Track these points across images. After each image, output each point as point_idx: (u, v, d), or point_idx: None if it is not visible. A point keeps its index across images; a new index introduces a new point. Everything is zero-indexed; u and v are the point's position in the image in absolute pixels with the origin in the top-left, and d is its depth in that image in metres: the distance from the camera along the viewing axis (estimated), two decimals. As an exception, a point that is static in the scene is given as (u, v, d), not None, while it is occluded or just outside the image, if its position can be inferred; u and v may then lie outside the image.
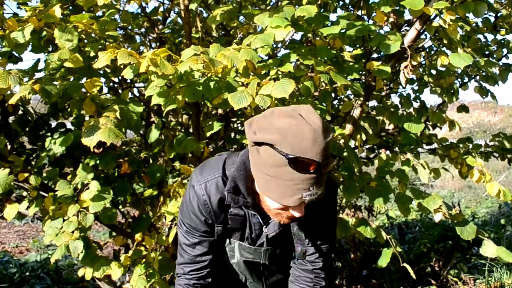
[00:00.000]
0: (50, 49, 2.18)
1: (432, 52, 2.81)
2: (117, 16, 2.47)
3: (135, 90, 2.68)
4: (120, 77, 2.36)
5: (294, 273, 1.45)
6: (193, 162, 2.36)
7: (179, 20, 3.08)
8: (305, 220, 1.28)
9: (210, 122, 2.22)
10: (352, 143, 2.59)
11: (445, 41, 2.42)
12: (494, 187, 2.28)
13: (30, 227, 6.33)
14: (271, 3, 2.92)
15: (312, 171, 1.06)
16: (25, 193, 2.27)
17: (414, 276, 2.24)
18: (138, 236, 2.27)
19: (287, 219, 1.22)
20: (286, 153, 1.05)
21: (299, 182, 1.07)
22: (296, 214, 1.16)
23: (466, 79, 3.12)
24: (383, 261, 2.23)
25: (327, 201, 1.32)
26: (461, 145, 2.99)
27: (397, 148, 3.04)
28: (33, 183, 2.12)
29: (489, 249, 2.21)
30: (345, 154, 2.27)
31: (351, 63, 2.26)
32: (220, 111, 2.63)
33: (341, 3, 2.83)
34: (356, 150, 2.59)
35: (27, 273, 4.13)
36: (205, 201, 1.29)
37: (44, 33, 1.97)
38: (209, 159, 1.39)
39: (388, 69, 2.19)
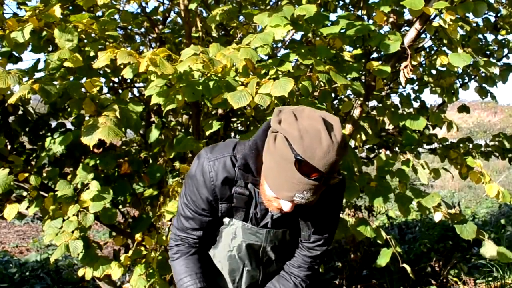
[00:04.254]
0: (50, 49, 2.18)
1: (432, 52, 2.81)
2: (117, 16, 2.47)
3: (135, 90, 2.68)
4: (120, 77, 2.36)
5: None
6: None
7: (179, 20, 3.08)
8: (313, 209, 1.32)
9: (210, 122, 2.23)
10: (352, 143, 2.59)
11: (445, 41, 2.41)
12: (493, 188, 2.28)
13: (30, 227, 6.33)
14: (271, 3, 2.92)
15: (313, 178, 1.10)
16: (25, 193, 2.27)
17: (413, 277, 2.24)
18: (138, 236, 2.27)
19: (275, 209, 1.26)
20: (296, 152, 1.08)
21: (297, 182, 1.11)
22: (284, 208, 1.20)
23: (466, 79, 3.12)
24: (382, 261, 2.23)
25: (336, 195, 1.38)
26: (461, 145, 2.99)
27: (397, 148, 3.04)
28: (33, 183, 2.12)
29: (489, 250, 2.21)
30: (345, 154, 2.27)
31: (350, 63, 2.26)
32: (220, 110, 2.63)
33: (341, 2, 2.83)
34: (356, 150, 2.59)
35: (27, 273, 4.13)
36: (211, 177, 1.31)
37: (44, 33, 1.97)
38: (220, 142, 1.42)
39: (388, 69, 2.19)
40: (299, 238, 1.46)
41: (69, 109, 2.38)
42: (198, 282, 1.40)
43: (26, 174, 2.12)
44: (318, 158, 1.08)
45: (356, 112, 2.47)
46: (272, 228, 1.39)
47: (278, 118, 1.15)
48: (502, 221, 5.40)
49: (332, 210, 1.42)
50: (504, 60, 3.10)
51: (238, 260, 1.45)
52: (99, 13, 2.47)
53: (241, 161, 1.27)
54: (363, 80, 2.47)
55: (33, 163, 2.42)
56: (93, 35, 2.08)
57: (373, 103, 2.90)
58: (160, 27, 2.88)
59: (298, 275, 1.48)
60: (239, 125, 2.98)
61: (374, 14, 2.41)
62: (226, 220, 1.40)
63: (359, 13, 2.72)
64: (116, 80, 2.51)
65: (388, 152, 2.91)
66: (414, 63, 2.33)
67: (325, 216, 1.41)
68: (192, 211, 1.38)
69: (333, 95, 2.48)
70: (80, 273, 2.17)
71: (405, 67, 2.26)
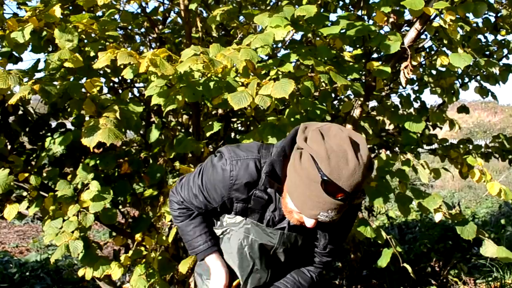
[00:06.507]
0: (50, 49, 2.18)
1: (432, 52, 2.81)
2: (117, 16, 2.46)
3: (135, 90, 2.68)
4: (120, 77, 2.36)
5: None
6: (193, 162, 2.36)
7: (179, 20, 3.08)
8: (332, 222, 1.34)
9: (210, 122, 2.23)
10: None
11: (445, 41, 2.41)
12: (495, 186, 2.28)
13: (30, 227, 6.34)
14: (271, 3, 2.92)
15: (338, 198, 1.11)
16: (25, 193, 2.27)
17: (413, 276, 2.24)
18: (138, 236, 2.27)
19: (295, 221, 1.27)
20: (323, 173, 1.09)
21: (322, 201, 1.12)
22: (307, 224, 1.21)
23: (466, 79, 3.12)
24: (383, 261, 2.23)
25: (355, 210, 1.42)
26: (461, 146, 2.99)
27: (397, 148, 3.04)
28: (33, 183, 2.12)
29: (489, 249, 2.21)
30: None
31: (351, 63, 2.26)
32: (220, 111, 2.63)
33: (341, 3, 2.83)
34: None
35: (27, 273, 4.13)
36: (232, 177, 1.29)
37: (44, 33, 1.97)
38: (242, 143, 1.40)
39: (388, 69, 2.19)
40: (314, 247, 1.48)
41: (69, 109, 2.38)
42: (209, 240, 1.44)
43: (26, 174, 2.12)
44: (344, 179, 1.08)
45: (356, 112, 2.47)
46: (289, 231, 1.39)
47: (304, 135, 1.16)
48: (502, 221, 5.40)
49: (349, 224, 1.45)
50: (504, 60, 3.10)
51: (249, 258, 1.45)
52: (99, 13, 2.47)
53: (269, 167, 1.25)
54: (363, 81, 2.47)
55: (33, 163, 2.41)
56: (93, 35, 2.08)
57: (373, 103, 2.90)
58: (160, 27, 2.88)
59: (314, 272, 1.53)
60: (239, 125, 2.98)
61: (374, 14, 2.41)
62: (239, 218, 1.39)
63: (359, 13, 2.72)
64: (116, 80, 2.51)
65: (388, 152, 2.91)
66: (414, 63, 2.33)
67: (341, 229, 1.43)
68: (203, 196, 1.37)
69: (333, 95, 2.48)
70: (80, 273, 2.17)
71: (405, 67, 2.26)
